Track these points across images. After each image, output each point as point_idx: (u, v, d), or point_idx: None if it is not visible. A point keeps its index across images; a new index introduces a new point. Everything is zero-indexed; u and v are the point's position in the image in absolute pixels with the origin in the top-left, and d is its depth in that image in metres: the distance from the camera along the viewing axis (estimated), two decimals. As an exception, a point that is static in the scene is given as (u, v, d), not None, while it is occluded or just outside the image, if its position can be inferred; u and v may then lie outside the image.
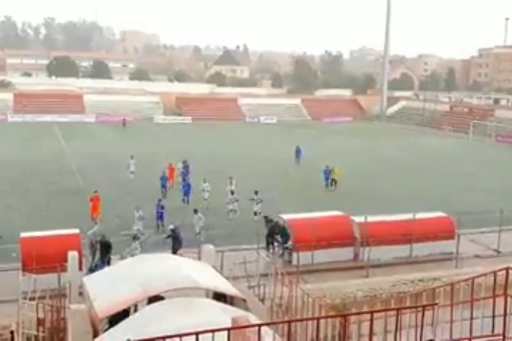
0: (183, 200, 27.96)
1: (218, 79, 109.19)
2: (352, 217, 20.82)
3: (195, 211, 22.43)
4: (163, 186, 30.20)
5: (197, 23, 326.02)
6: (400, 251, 20.32)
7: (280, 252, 20.44)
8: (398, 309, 7.68)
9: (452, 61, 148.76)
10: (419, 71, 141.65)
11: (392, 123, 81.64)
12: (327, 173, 33.59)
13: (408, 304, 10.93)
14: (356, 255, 20.25)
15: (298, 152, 42.69)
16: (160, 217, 23.63)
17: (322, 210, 22.16)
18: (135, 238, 19.05)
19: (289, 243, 20.37)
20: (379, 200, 29.82)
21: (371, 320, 6.99)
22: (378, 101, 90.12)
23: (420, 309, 8.00)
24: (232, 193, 26.25)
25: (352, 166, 41.60)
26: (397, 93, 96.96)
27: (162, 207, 23.88)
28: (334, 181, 33.26)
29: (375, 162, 44.64)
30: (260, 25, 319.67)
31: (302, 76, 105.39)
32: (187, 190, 28.53)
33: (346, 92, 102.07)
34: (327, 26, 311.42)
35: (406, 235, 20.14)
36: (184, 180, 30.95)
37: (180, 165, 33.74)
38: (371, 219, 20.15)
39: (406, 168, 41.91)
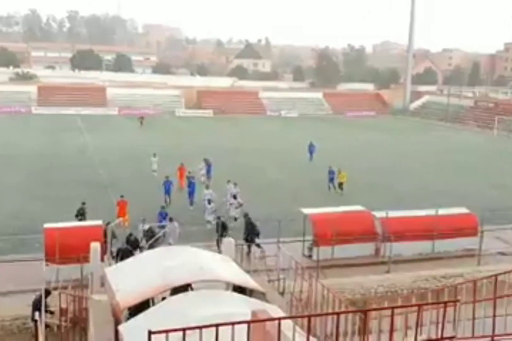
0: (191, 203, 26.63)
1: (240, 73, 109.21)
2: (374, 212, 20.67)
3: (171, 220, 20.32)
4: (167, 193, 27.08)
5: (219, 16, 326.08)
6: (422, 247, 20.12)
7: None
8: (419, 305, 7.60)
9: (477, 55, 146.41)
10: (443, 65, 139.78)
11: (415, 118, 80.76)
12: (332, 174, 30.87)
13: (429, 300, 10.83)
14: (377, 251, 20.10)
15: (311, 148, 40.67)
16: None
17: (341, 205, 22.03)
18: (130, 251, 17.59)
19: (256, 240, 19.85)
20: (401, 195, 29.58)
21: (392, 316, 6.93)
22: (401, 95, 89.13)
23: (442, 305, 7.91)
24: (209, 202, 23.60)
25: (374, 161, 41.35)
26: (421, 88, 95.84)
27: (165, 217, 21.36)
28: (340, 184, 30.43)
29: (398, 157, 44.25)
30: (282, 18, 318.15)
31: (324, 70, 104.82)
32: (192, 190, 27.01)
33: (369, 87, 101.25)
34: (350, 20, 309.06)
35: (428, 231, 19.93)
36: (190, 180, 28.12)
37: (202, 165, 32.08)
38: (392, 214, 19.97)
39: (429, 164, 41.43)
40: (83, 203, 22.04)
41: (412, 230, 19.64)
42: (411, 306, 8.29)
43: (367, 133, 60.93)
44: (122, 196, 23.56)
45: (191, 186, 27.62)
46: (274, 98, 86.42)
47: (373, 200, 25.79)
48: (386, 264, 18.62)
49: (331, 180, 30.88)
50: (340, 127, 67.13)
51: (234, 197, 24.52)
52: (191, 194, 27.11)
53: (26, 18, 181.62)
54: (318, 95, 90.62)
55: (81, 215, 21.51)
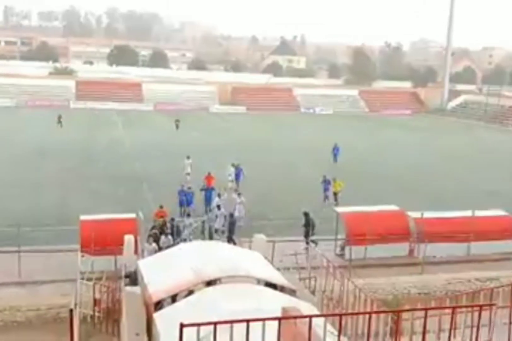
0: (206, 210, 23.97)
1: (275, 69, 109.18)
2: (408, 212, 20.36)
3: (165, 234, 19.08)
4: (181, 204, 23.95)
5: (255, 13, 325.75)
6: (457, 248, 19.73)
7: None
8: (453, 308, 7.45)
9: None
10: (483, 64, 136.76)
11: (452, 117, 79.19)
12: (327, 183, 27.72)
13: (464, 303, 10.63)
14: (411, 251, 19.81)
15: (335, 150, 38.31)
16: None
17: (375, 204, 21.75)
18: None
19: None
20: (437, 196, 29.06)
21: (425, 318, 6.82)
22: (438, 94, 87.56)
23: (477, 309, 7.74)
24: (219, 208, 20.94)
25: (410, 160, 40.77)
26: (459, 87, 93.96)
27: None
28: (335, 194, 27.33)
29: (435, 157, 43.47)
30: (318, 15, 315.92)
31: (360, 67, 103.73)
32: (209, 197, 24.43)
33: (406, 85, 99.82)
34: (387, 17, 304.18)
35: (464, 232, 19.53)
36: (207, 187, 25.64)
37: (231, 170, 29.63)
38: (427, 214, 19.65)
39: (466, 165, 40.64)
40: (158, 221, 20.22)
41: (448, 231, 19.28)
42: (445, 308, 8.14)
43: (403, 132, 60.05)
44: (161, 207, 21.34)
45: (208, 193, 25.01)
46: (309, 95, 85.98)
47: (408, 200, 25.38)
48: (420, 265, 18.33)
49: (326, 190, 27.61)
50: (375, 126, 66.32)
51: (218, 207, 21.66)
52: (208, 200, 24.53)
53: (66, 14, 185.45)
54: (354, 92, 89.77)
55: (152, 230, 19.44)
